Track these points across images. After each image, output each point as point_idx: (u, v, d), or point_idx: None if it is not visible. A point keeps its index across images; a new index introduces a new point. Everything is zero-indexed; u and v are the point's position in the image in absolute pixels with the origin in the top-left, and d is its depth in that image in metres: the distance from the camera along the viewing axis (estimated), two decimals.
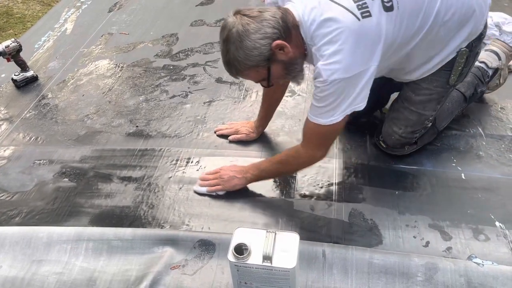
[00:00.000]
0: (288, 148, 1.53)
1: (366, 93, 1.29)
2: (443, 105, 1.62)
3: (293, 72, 1.36)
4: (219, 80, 2.20)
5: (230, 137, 1.83)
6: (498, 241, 1.37)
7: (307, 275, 1.30)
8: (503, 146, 1.72)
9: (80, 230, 1.46)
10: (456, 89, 1.71)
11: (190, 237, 1.40)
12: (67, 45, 2.65)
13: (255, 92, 2.10)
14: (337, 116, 1.30)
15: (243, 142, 1.81)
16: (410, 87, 1.55)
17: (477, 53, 1.52)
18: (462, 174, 1.61)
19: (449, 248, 1.36)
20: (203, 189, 1.60)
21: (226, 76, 2.22)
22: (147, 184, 1.66)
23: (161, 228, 1.48)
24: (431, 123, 1.62)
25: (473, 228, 1.42)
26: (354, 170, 1.66)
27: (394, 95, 1.72)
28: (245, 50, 1.24)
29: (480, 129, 1.79)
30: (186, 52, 2.44)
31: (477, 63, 1.78)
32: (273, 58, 1.28)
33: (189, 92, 2.14)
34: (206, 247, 1.38)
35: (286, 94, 2.05)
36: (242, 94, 2.09)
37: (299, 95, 2.06)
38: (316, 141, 1.41)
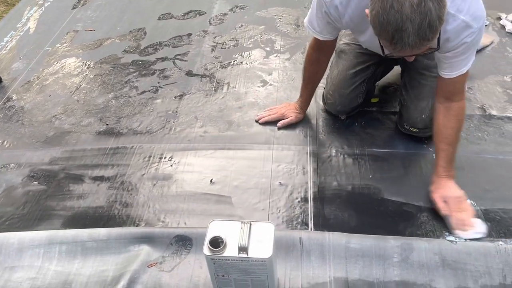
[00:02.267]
0: (444, 117, 1.43)
1: None
2: None
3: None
4: (189, 74, 2.17)
5: (279, 123, 1.80)
6: None
7: (285, 264, 1.30)
8: (471, 125, 1.75)
9: (53, 234, 1.42)
10: None
11: (166, 234, 1.39)
12: (30, 44, 2.56)
13: (227, 84, 2.08)
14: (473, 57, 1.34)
15: (213, 135, 1.80)
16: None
17: None
18: (433, 155, 1.63)
19: (423, 228, 1.38)
20: (472, 233, 1.34)
21: (196, 69, 2.19)
22: (120, 183, 1.63)
23: (137, 226, 1.46)
24: None
25: None
26: (328, 157, 1.66)
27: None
28: (443, 6, 1.11)
29: None
30: (154, 47, 2.40)
31: None
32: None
33: (159, 87, 2.10)
34: (183, 242, 1.37)
35: (258, 84, 2.05)
36: (214, 86, 2.07)
37: (271, 84, 2.05)
38: (463, 87, 1.43)
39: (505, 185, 1.51)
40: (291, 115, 1.80)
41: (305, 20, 1.52)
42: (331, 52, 1.67)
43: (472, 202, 1.45)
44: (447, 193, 1.42)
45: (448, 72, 1.37)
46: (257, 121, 1.84)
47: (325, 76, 1.77)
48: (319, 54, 1.64)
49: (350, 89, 1.72)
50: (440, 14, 1.10)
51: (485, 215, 1.41)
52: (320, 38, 1.53)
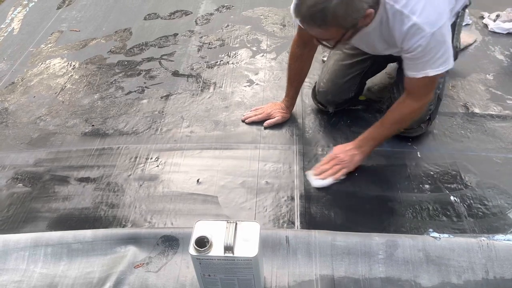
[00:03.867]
0: (396, 107, 1.50)
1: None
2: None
3: (350, 40, 1.36)
4: (175, 74, 2.16)
5: (265, 123, 1.80)
6: (453, 214, 1.42)
7: (272, 262, 1.31)
8: (455, 123, 1.78)
9: (38, 236, 1.41)
10: None
11: (152, 234, 1.38)
12: (14, 45, 2.54)
13: (213, 84, 2.08)
14: (446, 62, 1.34)
15: (200, 135, 1.80)
16: None
17: (459, 24, 1.63)
18: (418, 153, 1.66)
19: (407, 225, 1.40)
20: (328, 181, 1.53)
21: (182, 69, 2.19)
22: (106, 184, 1.62)
23: (123, 227, 1.46)
24: (437, 95, 1.63)
25: (430, 203, 1.47)
26: (314, 155, 1.67)
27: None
28: (349, 8, 1.18)
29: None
30: (140, 47, 2.39)
31: None
32: (356, 25, 1.26)
33: (145, 87, 2.09)
34: (170, 242, 1.37)
35: (244, 84, 2.06)
36: (200, 86, 2.07)
37: (257, 84, 2.06)
38: (426, 90, 1.44)
39: (488, 182, 1.53)
40: (278, 115, 1.81)
41: (291, 6, 1.48)
42: (315, 48, 1.67)
43: (455, 198, 1.47)
44: (335, 150, 1.58)
45: (411, 72, 1.39)
46: (243, 121, 1.84)
47: (311, 73, 1.77)
48: (302, 49, 1.65)
49: (345, 80, 1.72)
50: (337, 13, 1.18)
51: (468, 211, 1.43)
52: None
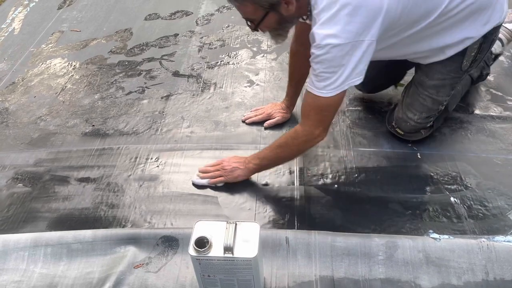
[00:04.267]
0: (286, 132, 1.51)
1: (362, 68, 1.27)
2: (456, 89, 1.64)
3: (282, 29, 1.35)
4: (176, 74, 2.16)
5: (266, 124, 1.80)
6: (453, 215, 1.42)
7: (271, 263, 1.31)
8: (455, 124, 1.77)
9: (38, 236, 1.41)
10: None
11: (152, 235, 1.38)
12: (15, 45, 2.54)
13: (213, 84, 2.08)
14: (334, 88, 1.27)
15: (200, 135, 1.80)
16: (424, 71, 1.54)
17: (493, 40, 1.49)
18: (418, 154, 1.65)
19: (407, 226, 1.40)
20: (204, 181, 1.57)
21: (183, 69, 2.19)
22: (106, 184, 1.62)
23: (123, 227, 1.46)
24: (444, 107, 1.61)
25: (430, 204, 1.46)
26: (314, 156, 1.67)
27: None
28: None
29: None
30: (141, 47, 2.39)
31: None
32: (276, 8, 1.26)
33: (145, 87, 2.09)
34: (170, 243, 1.37)
35: (245, 84, 2.06)
36: (200, 86, 2.07)
37: (257, 84, 2.06)
38: (313, 117, 1.37)
39: (488, 183, 1.53)
40: (278, 115, 1.81)
41: None
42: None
43: (455, 199, 1.47)
44: (226, 158, 1.59)
45: (307, 83, 1.36)
46: (243, 122, 1.84)
47: None
48: (298, 47, 1.65)
49: (373, 70, 1.68)
50: None
51: (468, 213, 1.43)
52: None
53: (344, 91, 1.30)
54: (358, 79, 1.29)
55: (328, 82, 1.27)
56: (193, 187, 1.57)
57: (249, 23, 1.35)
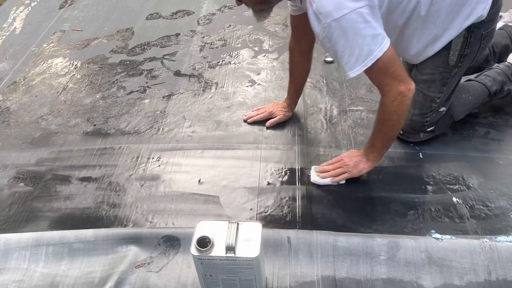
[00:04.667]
0: (378, 108, 1.46)
1: (379, 30, 1.23)
2: (465, 96, 1.63)
3: (266, 4, 1.34)
4: (177, 73, 2.16)
5: (268, 123, 1.80)
6: (455, 216, 1.42)
7: (273, 263, 1.30)
8: (457, 124, 1.77)
9: (39, 235, 1.41)
10: (481, 82, 1.70)
11: (154, 234, 1.38)
12: (17, 45, 2.54)
13: (215, 84, 2.08)
14: (364, 59, 1.23)
15: (201, 135, 1.79)
16: (417, 66, 1.55)
17: (485, 36, 1.46)
18: (420, 154, 1.65)
19: (409, 226, 1.40)
20: (327, 180, 1.55)
21: (184, 69, 2.19)
22: (108, 183, 1.62)
23: (124, 227, 1.45)
24: (443, 108, 1.59)
25: (432, 204, 1.46)
26: (316, 156, 1.67)
27: None
28: None
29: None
30: (142, 47, 2.39)
31: (506, 62, 1.77)
32: None
33: (147, 87, 2.09)
34: (171, 242, 1.36)
35: (246, 84, 2.05)
36: (202, 86, 2.07)
37: (259, 84, 2.06)
38: (385, 81, 1.32)
39: (490, 183, 1.53)
40: (279, 114, 1.80)
41: None
42: (309, 43, 1.65)
43: (457, 199, 1.47)
44: (343, 154, 1.58)
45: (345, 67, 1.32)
46: (245, 121, 1.84)
47: (313, 73, 1.77)
48: (296, 43, 1.66)
49: None
50: None
51: (470, 213, 1.42)
52: None
53: (388, 42, 1.25)
54: (386, 41, 1.24)
55: (356, 55, 1.24)
56: (194, 186, 1.57)
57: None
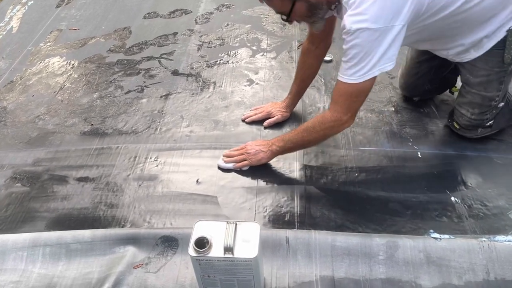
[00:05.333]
0: (315, 116, 1.52)
1: (393, 53, 1.28)
2: None
3: (315, 16, 1.37)
4: (175, 73, 2.15)
5: (265, 123, 1.80)
6: (453, 215, 1.42)
7: (272, 263, 1.30)
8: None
9: (36, 236, 1.40)
10: None
11: (152, 235, 1.37)
12: (13, 44, 2.53)
13: (213, 83, 2.07)
14: (362, 74, 1.29)
15: (199, 135, 1.79)
16: (467, 69, 1.54)
17: None
18: (419, 153, 1.65)
19: (408, 225, 1.39)
20: (229, 165, 1.60)
21: (182, 68, 2.18)
22: (105, 184, 1.61)
23: (122, 227, 1.45)
24: (501, 103, 1.58)
25: (430, 204, 1.46)
26: (314, 155, 1.66)
27: None
28: None
29: (433, 109, 1.84)
30: (140, 46, 2.38)
31: None
32: None
33: (144, 86, 2.09)
34: (169, 243, 1.36)
35: (244, 83, 2.05)
36: (200, 85, 2.06)
37: (257, 83, 2.05)
38: (343, 103, 1.38)
39: (488, 182, 1.53)
40: (277, 114, 1.80)
41: None
42: (323, 47, 1.68)
43: (456, 199, 1.46)
44: (248, 142, 1.63)
45: (339, 71, 1.37)
46: (243, 121, 1.84)
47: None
48: (310, 45, 1.68)
49: (416, 77, 1.76)
50: None
51: (469, 212, 1.42)
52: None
53: (375, 77, 1.31)
54: (389, 65, 1.29)
55: (358, 67, 1.29)
56: (192, 186, 1.57)
57: (282, 17, 1.39)
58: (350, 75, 1.31)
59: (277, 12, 1.40)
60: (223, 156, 1.64)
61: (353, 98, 1.37)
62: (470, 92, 1.57)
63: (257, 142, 1.61)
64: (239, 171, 1.60)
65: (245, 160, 1.59)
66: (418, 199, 1.48)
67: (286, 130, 1.78)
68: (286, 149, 1.55)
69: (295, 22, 1.44)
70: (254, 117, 1.82)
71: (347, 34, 1.26)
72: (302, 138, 1.50)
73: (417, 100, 1.87)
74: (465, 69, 1.55)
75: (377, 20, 1.21)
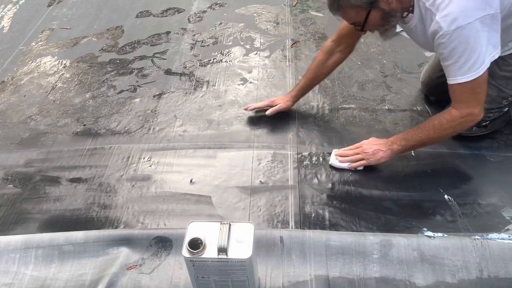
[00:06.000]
0: (437, 114, 1.47)
1: (496, 39, 1.30)
2: None
3: (388, 24, 1.39)
4: (168, 72, 2.14)
5: (268, 111, 1.79)
6: (447, 213, 1.42)
7: (266, 263, 1.30)
8: None
9: (29, 238, 1.39)
10: None
11: (145, 235, 1.37)
12: (4, 43, 2.50)
13: (206, 82, 2.06)
14: (478, 67, 1.29)
15: (193, 134, 1.78)
16: (497, 61, 1.49)
17: None
18: (412, 151, 1.65)
19: (402, 224, 1.40)
20: (344, 165, 1.58)
21: (175, 67, 2.17)
22: (98, 184, 1.60)
23: (115, 228, 1.44)
24: (506, 108, 1.59)
25: (424, 202, 1.46)
26: (308, 154, 1.66)
27: None
28: None
29: (426, 107, 1.84)
30: (132, 45, 2.36)
31: None
32: (375, 4, 1.31)
33: (137, 86, 2.07)
34: (163, 243, 1.35)
35: (238, 82, 2.04)
36: (193, 85, 2.05)
37: (251, 82, 2.04)
38: (468, 99, 1.37)
39: (482, 180, 1.53)
40: (280, 102, 1.80)
41: None
42: (346, 51, 1.69)
43: (449, 197, 1.47)
44: (364, 141, 1.60)
45: (448, 78, 1.38)
46: (245, 109, 1.84)
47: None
48: (336, 46, 1.68)
49: (439, 75, 1.72)
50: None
51: (462, 210, 1.43)
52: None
53: (498, 54, 1.32)
54: (496, 52, 1.31)
55: (470, 63, 1.29)
56: (186, 186, 1.56)
57: (357, 27, 1.40)
58: (466, 73, 1.31)
59: (351, 23, 1.42)
60: (336, 155, 1.61)
61: (477, 91, 1.36)
62: (490, 83, 1.51)
63: (373, 141, 1.57)
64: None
65: (362, 160, 1.56)
66: (412, 198, 1.48)
67: (280, 128, 1.78)
68: (408, 147, 1.53)
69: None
70: (256, 105, 1.82)
71: (445, 37, 1.27)
72: (428, 136, 1.47)
73: (433, 100, 1.85)
74: (495, 63, 1.49)
75: (471, 12, 1.24)
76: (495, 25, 1.29)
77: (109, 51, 2.33)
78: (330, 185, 1.54)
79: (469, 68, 1.30)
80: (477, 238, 1.30)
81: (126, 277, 1.29)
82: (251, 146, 1.71)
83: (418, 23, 1.38)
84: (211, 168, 1.63)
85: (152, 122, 1.86)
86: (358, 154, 1.57)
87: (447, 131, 1.45)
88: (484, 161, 1.60)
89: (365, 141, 1.60)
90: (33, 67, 2.28)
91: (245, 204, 1.49)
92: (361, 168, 1.57)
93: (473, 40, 1.27)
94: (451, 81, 1.36)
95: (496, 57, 1.32)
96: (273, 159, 1.65)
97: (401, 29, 1.52)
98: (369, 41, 2.24)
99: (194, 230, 1.11)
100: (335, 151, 1.62)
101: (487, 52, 1.29)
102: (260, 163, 1.63)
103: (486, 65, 1.31)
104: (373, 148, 1.55)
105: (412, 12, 1.38)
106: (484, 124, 1.62)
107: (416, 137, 1.49)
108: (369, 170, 1.58)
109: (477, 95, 1.38)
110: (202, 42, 2.35)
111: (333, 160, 1.60)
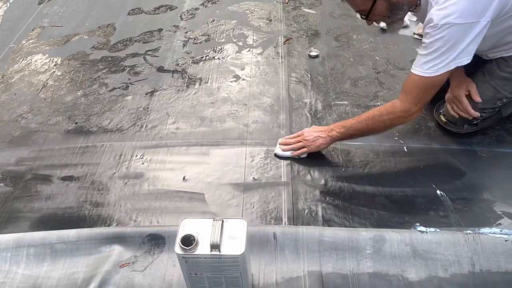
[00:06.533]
0: (383, 104, 1.49)
1: (473, 48, 1.30)
2: None
3: (394, 16, 1.40)
4: (160, 69, 2.13)
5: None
6: (439, 208, 1.43)
7: (259, 259, 1.30)
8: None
9: (20, 236, 1.38)
10: None
11: (138, 233, 1.36)
12: None
13: (199, 79, 2.05)
14: (440, 67, 1.31)
15: (186, 131, 1.77)
16: (497, 61, 1.53)
17: None
18: (405, 147, 1.66)
19: (395, 219, 1.40)
20: (287, 153, 1.60)
21: (167, 64, 2.16)
22: (90, 182, 1.59)
23: (108, 226, 1.43)
24: (498, 108, 1.59)
25: (416, 197, 1.47)
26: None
27: None
28: None
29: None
30: (124, 42, 2.35)
31: None
32: None
33: (129, 83, 2.06)
34: (156, 241, 1.35)
35: (230, 79, 2.04)
36: (185, 82, 2.04)
37: (243, 79, 2.04)
38: (415, 94, 1.39)
39: (473, 176, 1.54)
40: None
41: None
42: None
43: (441, 192, 1.48)
44: (305, 129, 1.62)
45: (413, 64, 1.39)
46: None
47: (297, 68, 1.76)
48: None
49: None
50: None
51: (454, 205, 1.44)
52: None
53: (450, 70, 1.32)
54: (466, 59, 1.31)
55: (437, 61, 1.31)
56: (179, 184, 1.56)
57: (362, 16, 1.41)
58: (427, 69, 1.33)
59: (357, 11, 1.43)
60: (279, 144, 1.62)
61: (427, 90, 1.39)
62: (487, 83, 1.54)
63: (314, 129, 1.60)
64: (298, 158, 1.60)
65: (303, 147, 1.58)
66: (404, 193, 1.49)
67: (273, 125, 1.78)
68: (346, 135, 1.53)
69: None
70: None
71: (433, 28, 1.27)
72: (367, 126, 1.48)
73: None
74: (496, 61, 1.54)
75: (466, 15, 1.24)
76: (481, 34, 1.29)
77: (101, 49, 2.32)
78: (323, 181, 1.54)
79: (433, 65, 1.32)
80: (469, 233, 1.31)
81: (119, 275, 1.28)
82: (244, 143, 1.71)
83: (424, 15, 1.38)
84: (204, 165, 1.62)
85: (145, 119, 1.85)
86: (299, 142, 1.60)
87: (384, 123, 1.47)
88: (476, 157, 1.61)
89: (306, 128, 1.64)
90: (24, 65, 2.25)
91: (238, 201, 1.49)
92: (304, 156, 1.59)
93: (454, 42, 1.28)
94: (413, 70, 1.38)
95: (465, 63, 1.32)
96: (266, 156, 1.65)
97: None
98: (362, 37, 2.25)
99: (186, 227, 1.10)
100: (279, 140, 1.65)
101: (458, 56, 1.30)
102: (253, 160, 1.63)
103: (448, 67, 1.32)
104: (313, 135, 1.57)
105: (420, 5, 1.39)
106: (476, 122, 1.62)
107: (355, 126, 1.50)
108: (362, 166, 1.59)
109: (425, 95, 1.40)
110: (195, 39, 2.34)
111: (277, 150, 1.63)
